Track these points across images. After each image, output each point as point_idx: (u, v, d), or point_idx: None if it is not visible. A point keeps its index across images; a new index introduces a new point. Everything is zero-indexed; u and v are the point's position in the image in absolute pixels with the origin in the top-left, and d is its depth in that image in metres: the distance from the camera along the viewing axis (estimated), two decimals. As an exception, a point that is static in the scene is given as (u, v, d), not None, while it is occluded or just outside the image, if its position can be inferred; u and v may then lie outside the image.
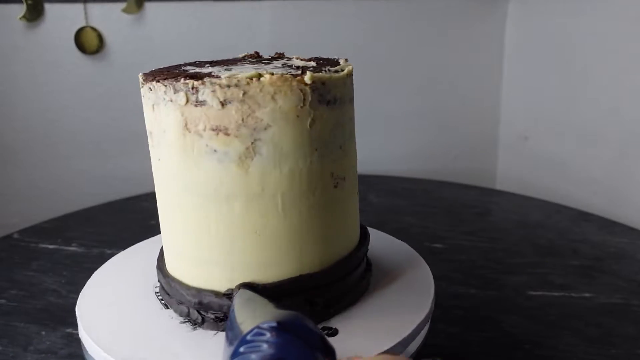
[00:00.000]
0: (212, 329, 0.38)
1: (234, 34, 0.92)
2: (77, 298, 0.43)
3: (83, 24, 0.86)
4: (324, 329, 0.39)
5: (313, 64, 0.41)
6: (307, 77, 0.36)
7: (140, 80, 0.38)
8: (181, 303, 0.40)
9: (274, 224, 0.38)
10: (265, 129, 0.36)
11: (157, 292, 0.43)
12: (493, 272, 0.62)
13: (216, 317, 0.38)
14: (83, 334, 0.39)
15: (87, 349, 0.39)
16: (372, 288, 0.44)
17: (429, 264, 0.48)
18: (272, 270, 0.38)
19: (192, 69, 0.40)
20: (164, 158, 0.38)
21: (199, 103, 0.35)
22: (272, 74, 0.35)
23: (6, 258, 0.66)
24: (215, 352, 0.37)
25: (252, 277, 0.38)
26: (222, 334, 0.39)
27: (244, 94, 0.35)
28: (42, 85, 0.88)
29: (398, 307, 0.41)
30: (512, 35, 1.00)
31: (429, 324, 0.42)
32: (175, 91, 0.36)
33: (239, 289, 0.37)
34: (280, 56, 0.45)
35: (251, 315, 0.28)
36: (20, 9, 0.83)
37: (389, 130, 1.02)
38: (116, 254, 0.52)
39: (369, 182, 0.91)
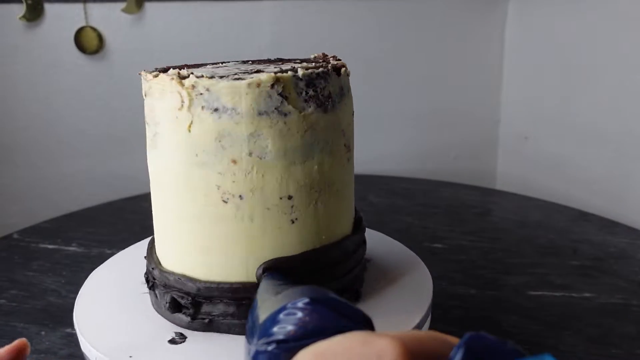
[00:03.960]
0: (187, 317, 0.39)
1: (234, 34, 0.92)
2: (76, 298, 0.43)
3: (83, 24, 0.86)
4: None
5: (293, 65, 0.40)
6: (187, 80, 0.35)
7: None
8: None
9: (167, 224, 0.41)
10: (157, 124, 0.38)
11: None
12: (493, 272, 0.62)
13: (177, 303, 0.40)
14: (80, 334, 0.39)
15: (84, 349, 0.39)
16: (370, 289, 0.44)
17: (429, 264, 0.48)
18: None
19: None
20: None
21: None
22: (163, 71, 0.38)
23: (6, 258, 0.66)
24: (212, 354, 0.37)
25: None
26: (221, 335, 0.39)
27: (150, 88, 0.38)
28: (42, 85, 0.88)
29: (396, 307, 0.41)
30: (512, 35, 1.00)
31: (428, 323, 0.42)
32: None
33: (263, 271, 0.36)
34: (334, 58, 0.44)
35: (274, 298, 0.28)
36: (20, 9, 0.83)
37: (388, 130, 1.02)
38: (116, 254, 0.52)
39: (368, 182, 0.91)
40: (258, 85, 0.34)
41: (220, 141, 0.35)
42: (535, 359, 0.19)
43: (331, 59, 0.43)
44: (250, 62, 0.45)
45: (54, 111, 0.89)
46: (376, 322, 0.27)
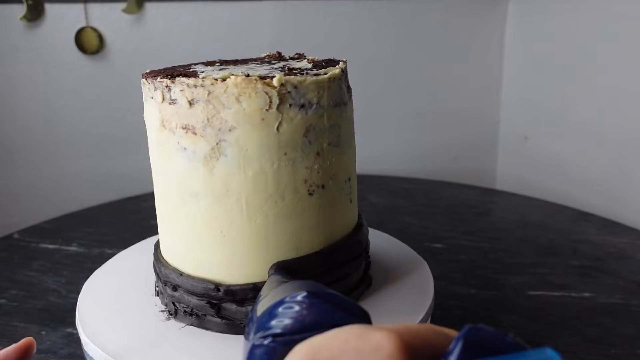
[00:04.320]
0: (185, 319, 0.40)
1: (234, 34, 0.92)
2: (77, 298, 0.43)
3: (83, 24, 0.86)
4: None
5: (309, 65, 0.41)
6: (276, 80, 0.35)
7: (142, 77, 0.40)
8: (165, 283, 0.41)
9: (239, 226, 0.37)
10: (230, 130, 0.36)
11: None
12: (493, 272, 0.62)
13: (185, 311, 0.40)
14: (82, 334, 0.39)
15: (86, 348, 0.39)
16: (372, 288, 0.44)
17: (429, 264, 0.48)
18: (237, 271, 0.38)
19: (190, 69, 0.40)
20: (150, 152, 0.40)
21: (172, 101, 0.36)
22: (248, 75, 0.35)
23: (6, 258, 0.66)
24: (215, 352, 0.37)
25: (217, 276, 0.38)
26: (221, 336, 0.39)
27: (209, 94, 0.35)
28: (42, 85, 0.88)
29: (398, 307, 0.41)
30: (512, 35, 1.00)
31: (429, 323, 0.42)
32: (155, 89, 0.37)
33: (274, 270, 0.37)
34: (299, 56, 0.45)
35: (271, 292, 0.27)
36: (21, 9, 0.83)
37: (388, 130, 1.02)
38: (116, 254, 0.52)
39: (369, 182, 0.91)
40: (334, 79, 0.38)
41: (306, 136, 0.37)
42: (536, 352, 0.19)
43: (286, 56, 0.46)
44: (265, 58, 0.46)
45: (54, 111, 0.89)
46: (377, 322, 0.27)
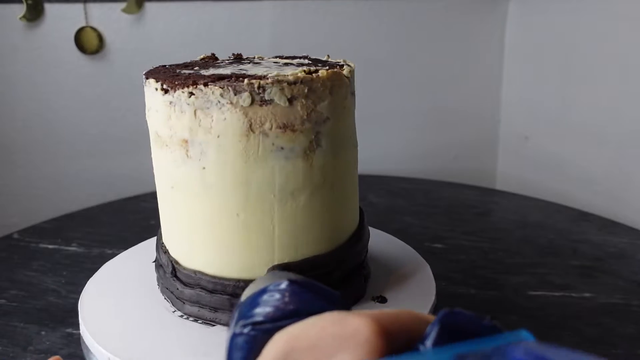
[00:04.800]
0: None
1: (234, 34, 0.92)
2: (77, 298, 0.43)
3: (83, 24, 0.86)
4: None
5: (305, 61, 0.43)
6: (346, 71, 0.38)
7: (169, 87, 0.37)
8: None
9: (334, 213, 0.40)
10: (324, 121, 0.37)
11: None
12: (493, 272, 0.62)
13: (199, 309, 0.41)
14: (85, 333, 0.39)
15: (90, 348, 0.39)
16: (373, 288, 0.44)
17: (429, 264, 0.48)
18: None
19: (194, 71, 0.40)
20: (212, 165, 0.37)
21: (265, 102, 0.35)
22: (314, 70, 0.38)
23: (6, 258, 0.66)
24: (217, 349, 0.37)
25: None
26: (222, 331, 0.39)
27: (309, 89, 0.36)
28: (41, 85, 0.88)
29: (398, 306, 0.41)
30: (512, 35, 1.00)
31: (407, 309, 0.42)
32: (237, 92, 0.35)
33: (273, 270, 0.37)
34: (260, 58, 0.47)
35: (254, 282, 0.27)
36: (20, 9, 0.83)
37: (388, 130, 1.02)
38: (116, 254, 0.52)
39: (369, 182, 0.91)
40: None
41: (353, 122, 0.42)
42: (511, 334, 0.19)
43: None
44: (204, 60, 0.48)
45: (54, 111, 0.89)
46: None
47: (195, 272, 0.40)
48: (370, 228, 0.55)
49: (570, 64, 0.89)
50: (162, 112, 0.38)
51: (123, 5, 0.86)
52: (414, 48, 0.99)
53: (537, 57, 0.95)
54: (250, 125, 0.36)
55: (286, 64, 0.43)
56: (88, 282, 0.46)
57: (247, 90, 0.35)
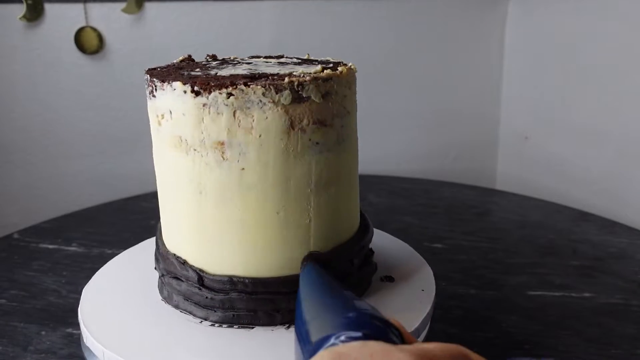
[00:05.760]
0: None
1: (234, 34, 0.92)
2: (77, 298, 0.43)
3: (83, 24, 0.86)
4: None
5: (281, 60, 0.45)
6: (354, 66, 0.41)
7: (201, 89, 0.36)
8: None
9: (354, 201, 0.43)
10: (345, 116, 0.40)
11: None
12: (493, 272, 0.62)
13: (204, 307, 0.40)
14: (85, 333, 0.39)
15: (90, 348, 0.39)
16: (372, 287, 0.44)
17: (429, 264, 0.48)
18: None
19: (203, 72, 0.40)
20: (253, 165, 0.37)
21: (303, 99, 0.36)
22: (333, 67, 0.40)
23: (6, 258, 0.66)
24: (216, 349, 0.37)
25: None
26: (222, 330, 0.39)
27: (337, 85, 0.38)
28: (41, 85, 0.88)
29: (398, 306, 0.42)
30: (512, 35, 1.00)
31: (429, 323, 0.42)
32: (278, 91, 0.36)
33: (306, 262, 0.38)
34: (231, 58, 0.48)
35: (321, 317, 0.29)
36: (20, 9, 0.83)
37: (389, 130, 1.02)
38: (116, 254, 0.52)
39: (369, 182, 0.91)
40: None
41: None
42: None
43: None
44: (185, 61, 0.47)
45: (53, 111, 0.89)
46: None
47: (229, 276, 0.39)
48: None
49: (570, 64, 0.89)
50: (192, 115, 0.36)
51: (123, 5, 0.86)
52: (414, 48, 0.99)
53: (537, 57, 0.95)
54: (291, 123, 0.37)
55: (281, 63, 0.44)
56: (88, 282, 0.46)
57: (287, 89, 0.36)
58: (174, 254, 0.41)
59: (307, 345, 0.27)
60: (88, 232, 0.74)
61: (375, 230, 0.54)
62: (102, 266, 0.49)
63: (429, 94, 1.02)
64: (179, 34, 0.90)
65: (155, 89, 0.38)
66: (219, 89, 0.35)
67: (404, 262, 0.48)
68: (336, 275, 0.37)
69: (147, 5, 0.88)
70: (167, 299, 0.42)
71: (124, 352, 0.37)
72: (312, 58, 0.47)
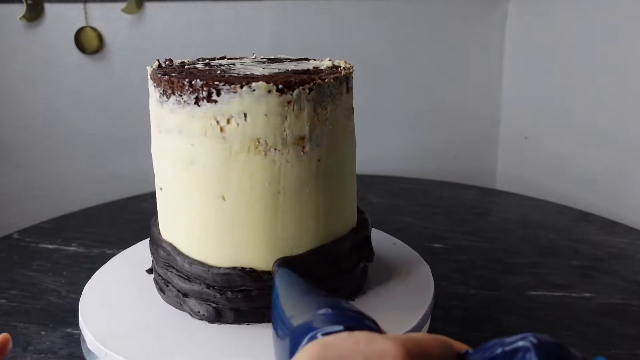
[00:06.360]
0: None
1: (234, 34, 0.92)
2: (77, 298, 0.43)
3: (83, 23, 0.86)
4: None
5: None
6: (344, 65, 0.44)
7: (285, 87, 0.36)
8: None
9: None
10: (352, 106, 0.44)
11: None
12: (493, 272, 0.62)
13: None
14: (86, 332, 0.39)
15: (90, 347, 0.39)
16: (371, 286, 0.44)
17: (429, 264, 0.48)
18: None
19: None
20: (326, 154, 0.39)
21: (349, 90, 0.42)
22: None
23: (6, 258, 0.66)
24: (214, 347, 0.37)
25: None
26: (222, 329, 0.39)
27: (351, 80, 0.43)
28: (41, 85, 0.88)
29: (397, 305, 0.42)
30: (512, 35, 1.00)
31: (428, 322, 0.42)
32: (340, 83, 0.40)
33: (278, 265, 0.38)
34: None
35: (300, 315, 0.29)
36: (20, 9, 0.83)
37: (388, 130, 1.02)
38: (116, 254, 0.52)
39: (368, 182, 0.91)
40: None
41: None
42: None
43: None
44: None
45: (54, 111, 0.89)
46: (377, 320, 0.27)
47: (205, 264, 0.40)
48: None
49: (570, 64, 0.89)
50: (275, 114, 0.36)
51: (123, 5, 0.86)
52: (414, 48, 0.99)
53: (537, 57, 0.95)
54: (351, 110, 0.42)
55: (258, 62, 0.46)
56: (88, 282, 0.46)
57: (344, 81, 0.39)
58: (199, 260, 0.40)
59: (288, 340, 0.27)
60: (88, 232, 0.74)
61: (375, 230, 0.54)
62: (102, 266, 0.49)
63: (429, 93, 1.02)
64: (179, 34, 0.90)
65: (218, 93, 0.36)
66: (301, 85, 0.36)
67: (402, 261, 0.48)
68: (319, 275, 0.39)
69: (147, 5, 0.88)
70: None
71: (124, 352, 0.37)
72: (272, 57, 0.48)
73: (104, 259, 0.51)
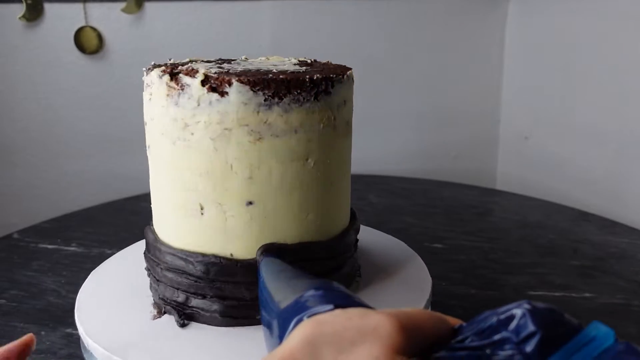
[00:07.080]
0: None
1: (234, 34, 0.92)
2: (76, 298, 0.43)
3: (83, 23, 0.86)
4: None
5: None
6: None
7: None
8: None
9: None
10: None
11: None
12: (493, 272, 0.62)
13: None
14: (82, 333, 0.39)
15: (87, 347, 0.39)
16: (368, 285, 0.44)
17: (429, 264, 0.48)
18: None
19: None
20: (344, 131, 0.43)
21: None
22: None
23: (6, 258, 0.66)
24: (213, 348, 0.37)
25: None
26: (218, 330, 0.39)
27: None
28: (41, 85, 0.88)
29: (393, 304, 0.42)
30: (512, 35, 1.00)
31: (425, 309, 0.42)
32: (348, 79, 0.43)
33: (262, 253, 0.38)
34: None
35: (290, 291, 0.29)
36: (20, 9, 0.83)
37: (388, 130, 1.02)
38: (116, 254, 0.52)
39: (369, 182, 0.91)
40: None
41: None
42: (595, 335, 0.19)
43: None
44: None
45: (53, 111, 0.89)
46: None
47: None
48: (369, 228, 0.55)
49: (570, 64, 0.89)
50: (353, 98, 0.44)
51: (123, 5, 0.86)
52: (414, 48, 0.99)
53: (537, 57, 0.95)
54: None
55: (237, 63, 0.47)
56: (85, 282, 0.46)
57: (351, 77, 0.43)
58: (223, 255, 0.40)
59: (277, 323, 0.27)
60: (88, 232, 0.74)
61: (374, 230, 0.54)
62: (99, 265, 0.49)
63: (429, 93, 1.02)
64: (178, 34, 0.90)
65: (332, 85, 0.39)
66: (346, 74, 0.42)
67: (398, 259, 0.49)
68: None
69: (147, 5, 0.88)
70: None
71: (121, 351, 0.37)
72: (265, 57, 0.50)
73: (103, 259, 0.51)
